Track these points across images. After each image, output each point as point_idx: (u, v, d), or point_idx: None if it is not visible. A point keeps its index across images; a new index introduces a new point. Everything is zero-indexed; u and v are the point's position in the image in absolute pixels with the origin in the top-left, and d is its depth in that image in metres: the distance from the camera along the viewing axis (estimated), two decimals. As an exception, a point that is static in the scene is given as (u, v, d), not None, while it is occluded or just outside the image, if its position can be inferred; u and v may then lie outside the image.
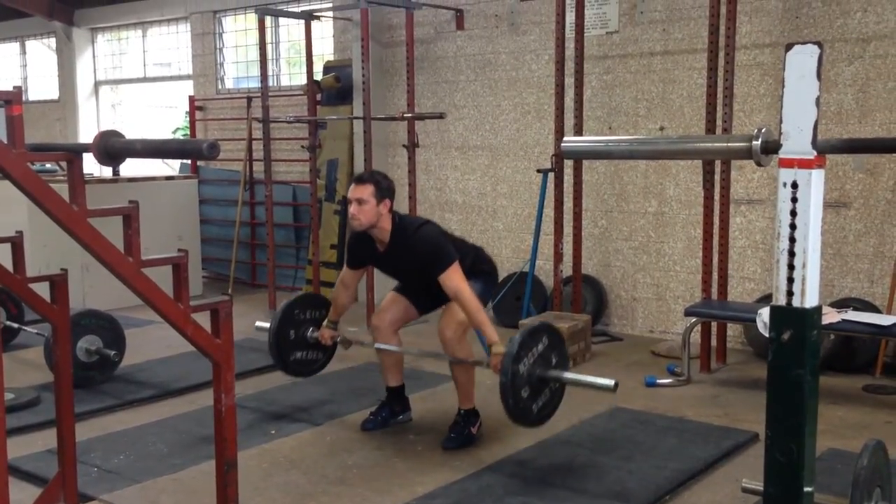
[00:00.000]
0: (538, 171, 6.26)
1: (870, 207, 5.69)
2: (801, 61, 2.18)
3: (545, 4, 6.73)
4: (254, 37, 8.46)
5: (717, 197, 5.63)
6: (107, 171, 8.35)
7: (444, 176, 7.68)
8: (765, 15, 5.96)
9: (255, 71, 8.45)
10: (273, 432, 4.52)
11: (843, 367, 5.45)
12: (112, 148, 2.66)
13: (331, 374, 5.53)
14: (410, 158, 7.05)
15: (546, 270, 6.74)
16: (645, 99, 6.51)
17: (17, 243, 3.50)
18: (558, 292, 6.21)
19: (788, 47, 2.20)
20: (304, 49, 7.70)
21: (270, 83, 7.81)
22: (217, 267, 9.15)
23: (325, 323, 4.62)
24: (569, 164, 6.24)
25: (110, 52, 11.15)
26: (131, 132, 4.17)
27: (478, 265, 4.40)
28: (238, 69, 9.64)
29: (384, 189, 4.18)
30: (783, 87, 2.22)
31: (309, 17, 7.56)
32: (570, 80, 6.14)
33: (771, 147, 2.31)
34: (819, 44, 2.17)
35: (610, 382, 3.83)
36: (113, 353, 5.30)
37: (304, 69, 7.82)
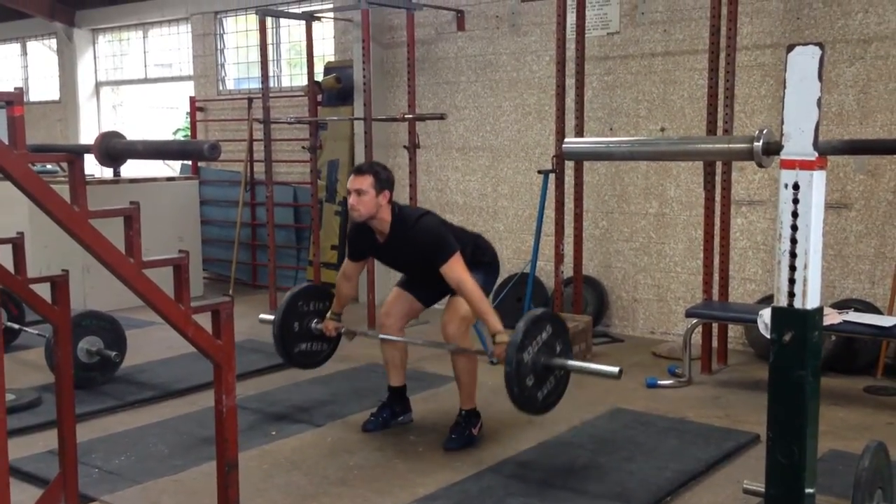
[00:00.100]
0: (539, 172, 6.26)
1: (871, 209, 5.69)
2: (803, 62, 2.18)
3: (546, 5, 6.73)
4: (255, 38, 8.47)
5: (718, 198, 5.62)
6: (108, 172, 8.35)
7: (445, 177, 7.68)
8: (766, 16, 5.96)
9: (256, 72, 8.45)
10: (274, 433, 4.52)
11: (845, 368, 5.45)
12: (113, 149, 2.66)
13: (332, 375, 5.54)
14: (411, 159, 7.05)
15: (547, 271, 6.74)
16: (646, 100, 6.51)
17: (18, 244, 3.50)
18: (559, 293, 6.21)
19: (790, 48, 2.20)
20: (304, 50, 7.70)
21: (271, 84, 7.81)
22: (218, 268, 9.15)
23: (328, 315, 4.62)
24: (569, 165, 6.23)
25: (111, 52, 11.16)
26: (132, 133, 4.18)
27: (478, 256, 4.38)
28: (239, 70, 9.65)
29: (383, 180, 4.18)
30: (784, 88, 2.22)
31: (310, 18, 7.57)
32: (570, 81, 6.14)
33: (772, 148, 2.31)
34: (820, 45, 2.17)
35: (614, 370, 3.82)
36: (114, 353, 5.30)
37: (304, 70, 7.83)
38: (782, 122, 2.24)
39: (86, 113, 11.17)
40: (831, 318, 4.86)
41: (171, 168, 10.08)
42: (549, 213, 6.24)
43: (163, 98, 11.86)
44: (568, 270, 6.32)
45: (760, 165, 2.37)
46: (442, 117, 6.99)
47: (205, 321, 2.64)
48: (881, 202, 5.65)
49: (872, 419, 4.70)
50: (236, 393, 2.75)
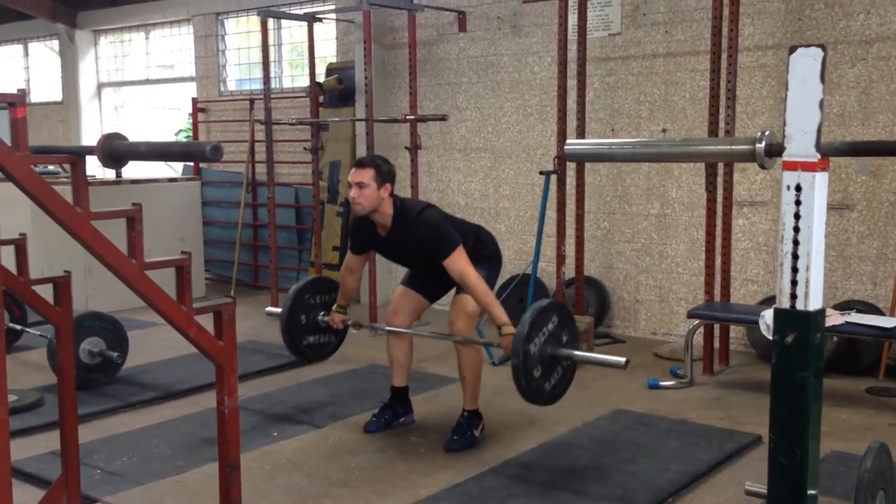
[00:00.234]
0: (541, 173, 6.26)
1: (873, 210, 5.68)
2: (805, 64, 2.18)
3: (548, 6, 6.73)
4: (256, 39, 8.48)
5: (719, 199, 5.62)
6: (110, 173, 8.36)
7: (447, 178, 7.68)
8: (767, 17, 5.96)
9: (258, 73, 8.45)
10: (275, 434, 4.52)
11: (847, 369, 5.45)
12: (115, 150, 2.66)
13: (333, 376, 5.55)
14: (413, 160, 7.06)
15: (549, 272, 6.74)
16: (647, 101, 6.51)
17: (20, 245, 3.51)
18: (561, 294, 6.21)
19: (792, 50, 2.20)
20: (306, 51, 7.71)
21: (273, 85, 7.81)
22: (219, 269, 9.15)
23: (334, 308, 4.63)
24: (571, 166, 6.23)
25: (113, 54, 11.17)
26: (134, 134, 4.18)
27: (480, 249, 4.37)
28: (240, 71, 9.66)
29: (384, 173, 4.19)
30: (787, 89, 2.22)
31: (311, 19, 7.57)
32: (572, 82, 6.14)
33: (774, 150, 2.31)
34: (823, 46, 2.17)
35: (621, 360, 3.82)
36: (116, 354, 5.31)
37: (306, 71, 7.83)
38: (784, 124, 2.24)
39: (88, 114, 11.18)
40: (833, 319, 4.85)
41: (173, 169, 10.09)
42: (551, 213, 6.24)
43: (165, 99, 11.86)
44: (569, 271, 6.32)
45: (763, 167, 2.37)
46: (443, 118, 6.99)
47: (207, 322, 2.64)
48: (883, 203, 5.65)
49: (874, 420, 4.69)
50: (238, 394, 2.75)
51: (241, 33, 9.54)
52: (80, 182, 2.51)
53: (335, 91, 7.95)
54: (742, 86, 5.85)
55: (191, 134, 9.92)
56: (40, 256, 6.64)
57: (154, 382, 5.46)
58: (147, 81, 10.87)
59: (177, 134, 11.52)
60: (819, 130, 2.20)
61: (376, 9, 7.06)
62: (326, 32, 8.49)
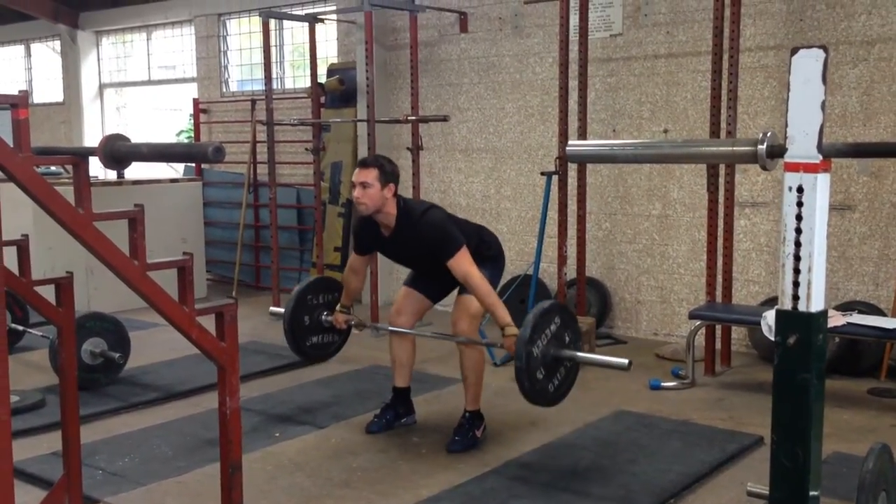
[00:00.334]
0: (542, 173, 6.26)
1: (874, 210, 5.68)
2: (807, 65, 2.18)
3: (549, 7, 6.73)
4: (258, 40, 8.48)
5: (721, 200, 5.62)
6: (111, 174, 8.36)
7: (448, 178, 7.68)
8: (769, 17, 5.96)
9: (260, 74, 8.46)
10: (277, 435, 4.53)
11: (848, 370, 5.44)
12: (118, 152, 2.67)
13: (335, 377, 5.55)
14: (414, 161, 7.06)
15: (550, 273, 6.74)
16: (649, 101, 6.51)
17: (22, 246, 3.51)
18: (562, 295, 6.21)
19: (794, 51, 2.19)
20: (308, 52, 7.71)
21: (274, 86, 7.81)
22: (221, 269, 9.16)
23: (338, 307, 4.64)
24: (572, 167, 6.23)
25: (115, 54, 11.18)
26: (136, 135, 4.18)
27: (483, 249, 4.37)
28: (242, 72, 9.66)
29: (388, 173, 4.19)
30: (788, 91, 2.22)
31: (313, 19, 7.57)
32: (573, 83, 6.14)
33: (776, 151, 2.31)
34: (824, 48, 2.17)
35: (624, 361, 3.82)
36: (118, 355, 5.31)
37: (308, 72, 7.83)
38: (786, 125, 2.24)
39: (89, 115, 11.19)
40: (835, 320, 4.85)
41: (175, 170, 10.10)
42: (552, 214, 6.24)
43: (166, 100, 11.87)
44: (571, 272, 6.32)
45: (764, 168, 2.37)
46: (445, 119, 7.00)
47: (208, 323, 2.65)
48: (885, 204, 5.65)
49: (876, 421, 4.69)
50: (240, 395, 2.75)
51: (242, 34, 9.55)
52: (83, 183, 2.51)
53: (337, 92, 7.95)
54: (743, 86, 5.86)
55: (192, 135, 9.93)
56: (42, 257, 6.65)
57: (156, 383, 5.47)
58: (149, 82, 10.88)
59: (178, 135, 11.52)
60: (821, 132, 2.20)
61: (378, 9, 7.06)
62: (328, 33, 8.50)
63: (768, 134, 2.35)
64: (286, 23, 8.91)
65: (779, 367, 2.34)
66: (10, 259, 3.36)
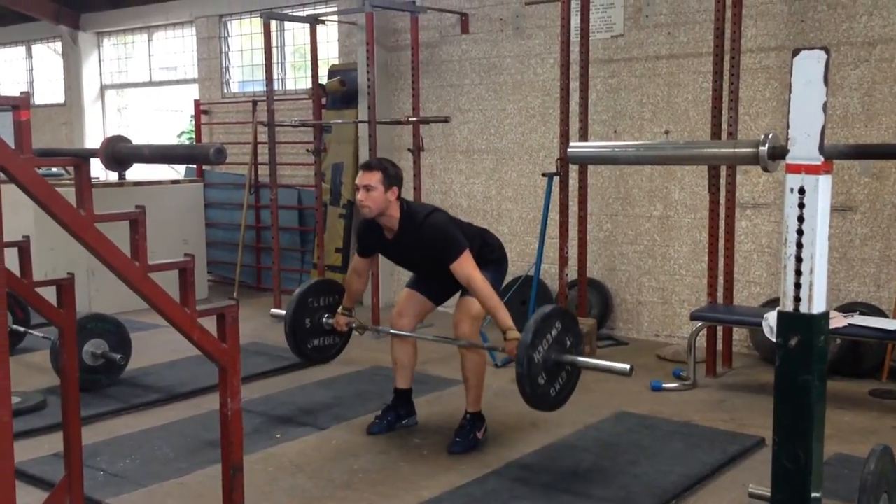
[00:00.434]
0: (543, 174, 6.26)
1: (876, 211, 5.68)
2: (809, 67, 2.18)
3: (550, 8, 6.73)
4: (259, 41, 8.49)
5: (722, 201, 5.62)
6: (112, 175, 8.37)
7: (450, 180, 7.68)
8: (770, 18, 5.95)
9: (261, 75, 8.46)
10: (279, 436, 4.53)
11: (850, 371, 5.44)
12: (119, 153, 2.67)
13: (336, 378, 5.55)
14: (415, 162, 7.06)
15: (551, 274, 6.73)
16: (650, 102, 6.51)
17: (24, 248, 3.51)
18: (563, 296, 6.21)
19: (795, 53, 2.19)
20: (309, 53, 7.71)
21: (276, 87, 7.81)
22: (222, 270, 9.16)
23: (339, 310, 4.64)
24: (574, 168, 6.23)
25: (116, 56, 11.18)
26: (137, 136, 4.20)
27: (486, 252, 4.37)
28: (243, 73, 9.67)
29: (392, 176, 4.19)
30: (790, 92, 2.21)
31: (314, 21, 7.57)
32: (575, 84, 6.14)
33: (778, 153, 2.31)
34: (826, 49, 2.17)
35: (625, 366, 3.82)
36: (119, 356, 5.31)
37: (309, 73, 7.83)
38: (788, 127, 2.23)
39: (91, 116, 11.19)
40: (836, 321, 4.85)
41: (176, 171, 10.10)
42: (554, 215, 6.24)
43: (167, 101, 11.87)
44: (572, 273, 6.32)
45: (766, 170, 2.37)
46: (446, 120, 6.99)
47: (210, 324, 2.65)
48: (886, 205, 5.64)
49: (878, 423, 4.69)
50: (241, 396, 2.75)
51: (244, 35, 9.55)
52: (84, 184, 2.51)
53: (338, 93, 7.95)
54: (745, 88, 5.86)
55: (193, 136, 9.94)
56: (43, 258, 6.65)
57: (157, 384, 5.47)
58: (150, 83, 10.89)
59: (179, 136, 11.53)
60: (822, 133, 2.20)
61: (379, 11, 7.06)
62: (329, 34, 8.50)
63: (770, 135, 2.35)
64: (287, 24, 8.91)
65: (780, 368, 2.34)
66: (12, 260, 3.35)
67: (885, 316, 5.36)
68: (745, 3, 5.70)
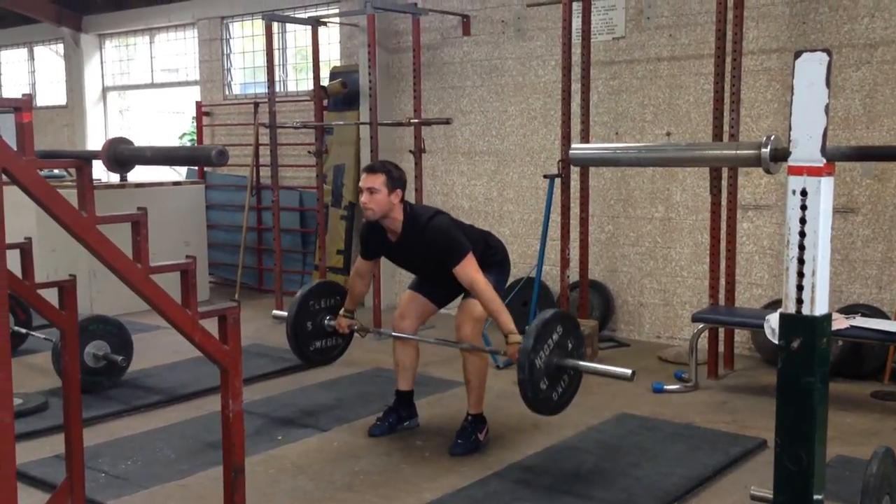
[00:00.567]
0: (545, 176, 6.26)
1: (878, 213, 5.67)
2: (810, 69, 2.18)
3: (552, 10, 6.73)
4: (261, 42, 8.50)
5: (724, 202, 5.61)
6: (114, 177, 8.37)
7: (451, 181, 7.68)
8: (772, 20, 5.95)
9: (262, 76, 8.46)
10: (280, 438, 4.53)
11: (852, 373, 5.43)
12: (121, 155, 2.67)
13: (338, 380, 5.55)
14: (417, 164, 7.06)
15: (553, 276, 6.73)
16: (652, 104, 6.51)
17: (25, 249, 3.51)
18: (565, 298, 6.20)
19: (797, 55, 2.19)
20: (310, 55, 7.71)
21: (277, 89, 7.82)
22: (224, 272, 9.16)
23: (341, 312, 4.64)
24: (575, 170, 6.23)
25: (118, 57, 11.19)
26: (139, 137, 4.20)
27: (488, 255, 4.37)
28: (245, 75, 9.67)
29: (395, 179, 4.19)
30: (792, 94, 2.21)
31: (316, 23, 7.58)
32: (576, 86, 6.14)
33: (780, 155, 2.31)
34: (828, 51, 2.16)
35: (627, 371, 3.83)
36: (120, 358, 5.31)
37: (310, 75, 7.84)
38: (790, 129, 2.23)
39: (93, 118, 11.20)
40: (838, 323, 4.85)
41: (178, 173, 10.11)
42: (555, 217, 6.24)
43: (169, 103, 11.89)
44: (574, 275, 6.32)
45: (768, 172, 2.37)
46: (447, 122, 6.99)
47: (211, 326, 2.65)
48: (888, 206, 5.64)
49: (880, 424, 4.68)
50: (242, 398, 2.75)
51: (245, 37, 9.56)
52: (86, 186, 2.51)
53: (339, 95, 7.95)
54: (746, 89, 5.85)
55: (195, 138, 9.94)
56: (45, 260, 6.66)
57: (158, 386, 5.47)
58: (152, 85, 10.89)
59: (181, 137, 11.54)
60: (825, 135, 2.20)
61: (380, 13, 7.06)
62: (331, 36, 8.50)
63: (772, 137, 2.35)
64: (289, 26, 8.92)
65: (782, 370, 2.33)
66: (14, 262, 3.35)
67: (887, 318, 5.36)
68: (747, 4, 5.70)
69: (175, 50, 10.43)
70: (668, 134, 6.44)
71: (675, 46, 6.38)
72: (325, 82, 7.94)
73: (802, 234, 2.24)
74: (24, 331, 6.03)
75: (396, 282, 7.54)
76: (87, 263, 6.04)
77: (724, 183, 5.60)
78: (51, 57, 11.84)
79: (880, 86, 5.59)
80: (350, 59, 8.29)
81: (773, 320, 4.80)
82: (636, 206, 6.65)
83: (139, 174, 9.33)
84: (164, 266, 2.60)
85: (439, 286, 4.46)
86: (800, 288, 2.25)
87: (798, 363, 2.29)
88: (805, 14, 5.82)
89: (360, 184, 4.21)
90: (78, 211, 2.41)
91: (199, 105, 9.58)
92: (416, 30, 7.14)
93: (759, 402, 5.01)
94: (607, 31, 6.66)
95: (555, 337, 3.78)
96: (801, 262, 2.25)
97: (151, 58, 10.72)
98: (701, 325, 5.36)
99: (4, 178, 2.26)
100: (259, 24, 8.69)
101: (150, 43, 10.69)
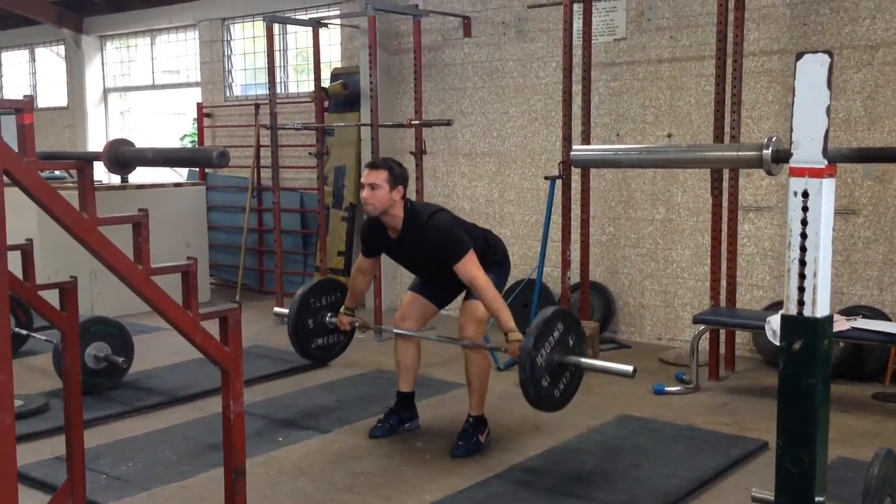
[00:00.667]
0: (546, 177, 6.26)
1: (879, 214, 5.67)
2: (812, 70, 2.18)
3: (553, 12, 6.74)
4: (262, 44, 8.50)
5: (725, 204, 5.61)
6: (115, 179, 8.37)
7: (452, 183, 7.68)
8: (773, 22, 5.95)
9: (263, 78, 8.47)
10: (281, 439, 4.52)
11: (853, 374, 5.43)
12: (122, 156, 2.67)
13: (338, 381, 5.54)
14: (418, 165, 7.06)
15: (554, 277, 6.73)
16: (653, 106, 6.51)
17: (26, 250, 3.51)
18: (566, 299, 6.20)
19: (799, 56, 2.19)
20: (311, 56, 7.72)
21: (278, 90, 7.81)
22: (225, 273, 9.16)
23: (342, 309, 4.65)
24: (576, 171, 6.23)
25: (119, 59, 11.20)
26: (140, 139, 4.20)
27: (489, 254, 4.37)
28: (246, 76, 9.68)
29: (397, 175, 4.20)
30: (793, 95, 2.21)
31: (317, 24, 7.58)
32: (577, 87, 6.14)
33: (781, 156, 2.31)
34: (829, 53, 2.16)
35: (628, 368, 3.83)
36: (121, 359, 5.31)
37: (311, 76, 7.84)
38: (791, 130, 2.23)
39: (94, 119, 11.21)
40: (840, 324, 4.84)
41: (179, 174, 10.11)
42: (556, 218, 6.24)
43: (170, 104, 11.90)
44: (575, 276, 6.32)
45: (769, 173, 2.37)
46: (448, 123, 7.00)
47: (212, 327, 2.65)
48: (889, 208, 5.64)
49: (881, 426, 4.68)
50: (243, 399, 2.75)
51: (246, 38, 9.56)
52: (87, 188, 2.51)
53: (340, 96, 7.95)
54: (747, 91, 5.85)
55: (196, 139, 9.94)
56: (46, 261, 6.65)
57: (159, 387, 5.47)
58: (153, 86, 10.90)
59: (182, 139, 11.56)
60: (826, 137, 2.20)
61: (381, 14, 7.07)
62: (331, 38, 8.51)
63: (773, 139, 2.35)
64: (290, 27, 8.91)
65: (784, 371, 2.33)
66: (15, 263, 3.35)
67: (889, 319, 5.35)
68: (748, 6, 5.70)
69: (176, 51, 10.44)
70: (669, 135, 6.44)
71: (676, 48, 6.38)
72: (326, 84, 7.94)
73: (804, 236, 2.24)
74: (24, 332, 6.03)
75: (397, 282, 7.54)
76: (88, 265, 6.03)
77: (725, 184, 5.60)
78: (52, 58, 11.85)
79: (881, 87, 5.59)
80: (351, 60, 8.29)
81: (774, 322, 4.80)
82: (637, 208, 6.65)
83: (140, 175, 9.35)
84: (165, 267, 2.60)
85: (440, 287, 4.46)
86: (801, 289, 2.25)
87: (799, 365, 2.29)
88: (806, 16, 5.82)
89: (362, 179, 4.22)
90: (79, 212, 2.41)
91: (199, 106, 9.58)
92: (416, 31, 7.15)
93: (760, 404, 5.01)
94: (608, 32, 6.66)
95: (556, 334, 3.78)
96: (802, 263, 2.24)
97: (152, 59, 10.73)
98: (702, 327, 5.36)
99: (6, 179, 2.26)
100: (260, 26, 8.70)
101: (151, 44, 10.70)
